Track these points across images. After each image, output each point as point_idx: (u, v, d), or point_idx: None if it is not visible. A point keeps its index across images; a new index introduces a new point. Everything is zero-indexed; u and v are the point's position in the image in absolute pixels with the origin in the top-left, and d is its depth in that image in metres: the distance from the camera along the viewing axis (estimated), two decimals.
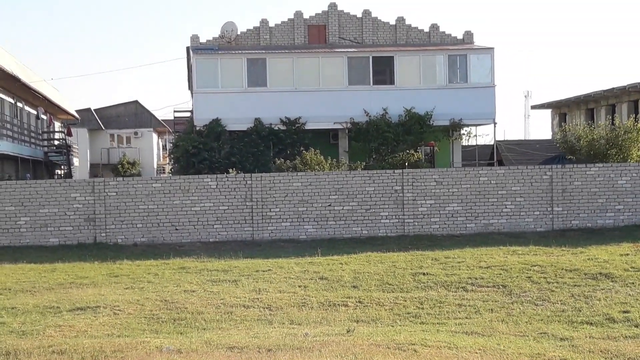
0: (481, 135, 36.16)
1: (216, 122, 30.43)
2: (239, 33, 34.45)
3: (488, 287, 14.65)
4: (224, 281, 15.79)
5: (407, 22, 35.24)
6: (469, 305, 13.25)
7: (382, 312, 13.00)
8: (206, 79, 31.35)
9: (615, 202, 23.08)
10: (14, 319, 12.61)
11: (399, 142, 30.48)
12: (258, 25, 34.75)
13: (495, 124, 32.81)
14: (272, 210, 22.78)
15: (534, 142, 41.83)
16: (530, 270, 15.85)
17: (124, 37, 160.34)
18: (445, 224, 22.87)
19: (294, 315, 12.83)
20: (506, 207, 22.97)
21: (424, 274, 15.91)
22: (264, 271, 16.74)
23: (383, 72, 32.58)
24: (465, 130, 33.75)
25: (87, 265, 18.44)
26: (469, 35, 35.30)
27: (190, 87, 35.57)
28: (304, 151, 27.37)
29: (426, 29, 35.30)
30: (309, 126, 31.08)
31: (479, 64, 32.73)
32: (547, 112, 51.91)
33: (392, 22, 35.22)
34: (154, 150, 59.30)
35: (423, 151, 32.80)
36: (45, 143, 41.71)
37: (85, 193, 22.39)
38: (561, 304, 13.14)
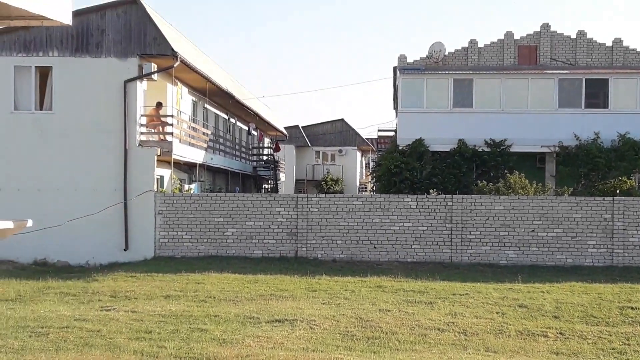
0: None
1: (419, 142, 30.30)
2: (446, 53, 34.22)
3: None
4: (420, 302, 15.62)
5: (624, 44, 33.56)
6: None
7: (584, 345, 12.32)
8: (411, 98, 31.29)
9: None
10: (216, 327, 13.09)
11: (610, 168, 28.96)
12: (466, 45, 34.38)
13: None
14: (472, 233, 22.39)
15: None
16: None
17: (333, 58, 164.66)
18: None
19: (490, 342, 12.44)
20: None
21: (632, 308, 14.95)
22: (460, 295, 16.41)
23: (596, 95, 31.12)
24: None
25: (287, 278, 18.91)
26: None
27: (395, 106, 35.76)
28: (507, 174, 26.68)
29: None
30: (514, 149, 30.21)
31: None
32: None
33: (609, 44, 33.65)
34: (357, 168, 60.19)
35: (637, 179, 31.01)
36: (255, 158, 43.40)
37: (289, 208, 23.04)
38: None
